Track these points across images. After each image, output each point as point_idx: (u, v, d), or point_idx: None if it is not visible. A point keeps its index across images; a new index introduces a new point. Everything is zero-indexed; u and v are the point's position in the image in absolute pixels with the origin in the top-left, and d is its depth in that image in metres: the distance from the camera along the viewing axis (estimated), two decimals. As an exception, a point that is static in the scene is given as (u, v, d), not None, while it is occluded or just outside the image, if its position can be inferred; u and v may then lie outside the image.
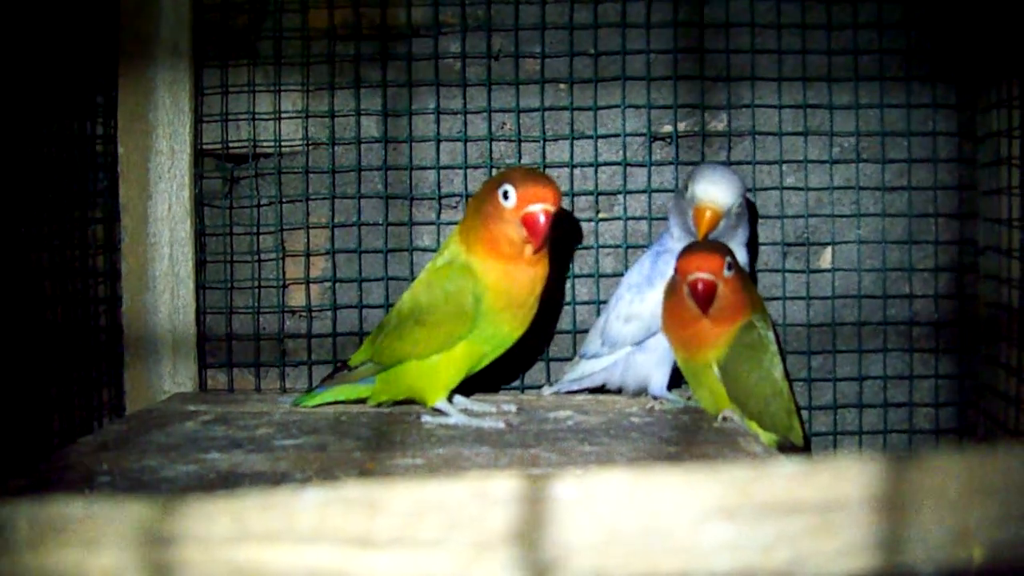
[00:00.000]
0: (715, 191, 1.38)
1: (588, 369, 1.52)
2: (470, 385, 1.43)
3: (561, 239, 1.61)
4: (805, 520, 0.59)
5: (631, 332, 1.46)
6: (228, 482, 1.07)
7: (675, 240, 1.45)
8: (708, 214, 1.37)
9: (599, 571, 0.60)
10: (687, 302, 1.31)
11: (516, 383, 1.69)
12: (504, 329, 1.31)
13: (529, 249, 1.26)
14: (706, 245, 1.35)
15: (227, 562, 0.60)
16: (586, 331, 1.59)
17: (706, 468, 0.60)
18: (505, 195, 1.26)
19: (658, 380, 1.46)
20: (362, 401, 1.41)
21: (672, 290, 1.36)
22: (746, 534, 0.59)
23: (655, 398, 1.46)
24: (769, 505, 0.60)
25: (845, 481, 0.60)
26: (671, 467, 0.60)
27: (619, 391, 1.52)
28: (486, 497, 0.61)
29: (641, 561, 0.60)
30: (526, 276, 1.29)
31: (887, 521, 0.60)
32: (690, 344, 1.35)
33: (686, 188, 1.42)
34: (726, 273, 1.30)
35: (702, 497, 0.60)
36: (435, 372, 1.33)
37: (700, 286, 1.29)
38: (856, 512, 0.60)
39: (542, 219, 1.24)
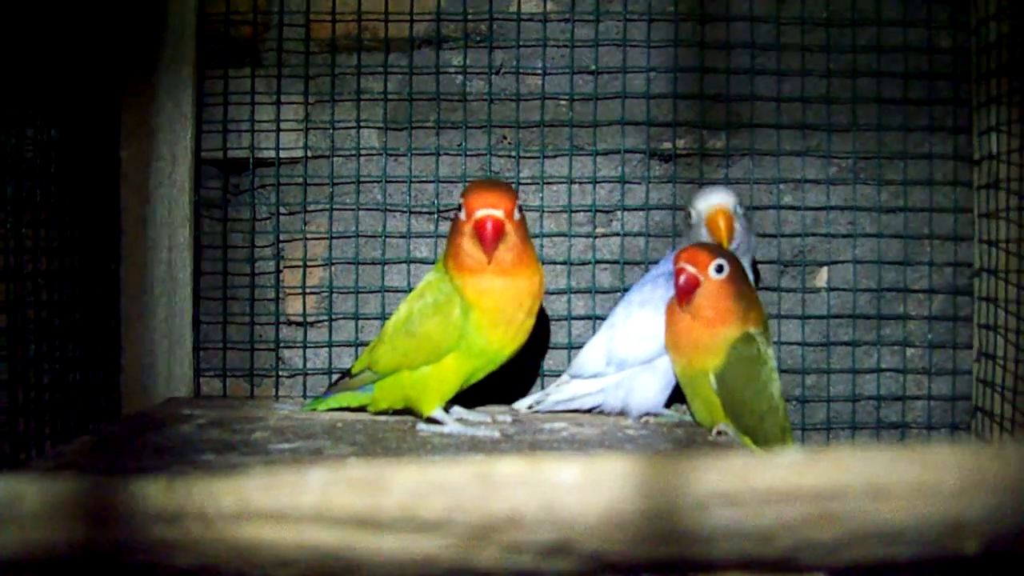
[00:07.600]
0: (714, 196, 1.44)
1: (582, 390, 1.47)
2: (470, 400, 1.43)
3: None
4: (805, 508, 0.60)
5: (645, 350, 1.43)
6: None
7: None
8: (722, 218, 1.41)
9: (600, 556, 0.60)
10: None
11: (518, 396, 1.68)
12: (493, 345, 1.30)
13: (485, 259, 1.26)
14: (703, 244, 1.38)
15: (230, 540, 0.60)
16: (581, 347, 1.55)
17: (707, 455, 0.61)
18: (460, 208, 1.27)
19: (659, 399, 1.45)
20: (364, 409, 1.41)
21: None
22: (747, 521, 0.60)
23: (651, 414, 1.45)
24: (770, 493, 0.60)
25: (845, 471, 0.60)
26: (672, 454, 0.61)
27: (620, 414, 1.46)
28: (489, 480, 0.61)
29: (642, 546, 0.60)
30: (508, 289, 1.28)
31: (885, 512, 0.60)
32: (681, 347, 1.36)
33: (688, 217, 1.47)
34: (713, 274, 1.32)
35: (703, 483, 0.60)
36: (427, 383, 1.33)
37: (682, 278, 1.32)
38: (855, 502, 0.60)
39: (489, 225, 1.23)
